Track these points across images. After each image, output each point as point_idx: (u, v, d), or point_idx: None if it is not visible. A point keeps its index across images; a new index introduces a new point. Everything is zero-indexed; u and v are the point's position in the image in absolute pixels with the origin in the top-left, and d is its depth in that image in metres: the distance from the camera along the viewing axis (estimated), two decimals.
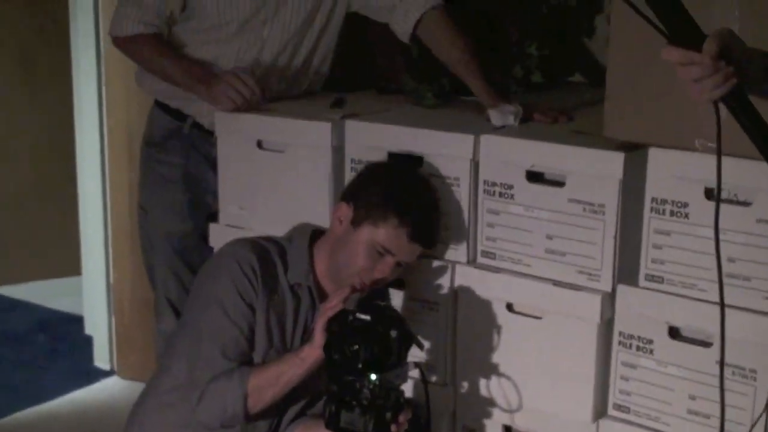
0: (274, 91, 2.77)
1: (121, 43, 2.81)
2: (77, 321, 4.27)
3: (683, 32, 1.48)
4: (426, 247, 2.31)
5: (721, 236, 1.80)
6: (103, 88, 3.75)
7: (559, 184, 2.23)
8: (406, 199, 2.26)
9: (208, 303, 2.26)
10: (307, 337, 2.28)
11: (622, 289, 2.18)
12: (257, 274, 2.25)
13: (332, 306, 2.11)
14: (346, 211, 2.28)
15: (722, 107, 1.54)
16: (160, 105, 2.89)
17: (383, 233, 2.22)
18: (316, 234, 2.38)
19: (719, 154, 1.57)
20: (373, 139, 2.46)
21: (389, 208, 2.22)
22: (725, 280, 2.03)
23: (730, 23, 1.94)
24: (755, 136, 1.54)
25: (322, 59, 2.86)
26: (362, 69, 3.15)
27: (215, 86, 2.64)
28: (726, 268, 2.01)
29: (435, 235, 2.34)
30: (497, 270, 2.34)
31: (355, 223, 2.25)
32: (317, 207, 2.53)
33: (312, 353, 2.15)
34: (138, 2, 2.73)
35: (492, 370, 2.36)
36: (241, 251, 2.29)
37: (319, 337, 2.11)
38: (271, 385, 2.19)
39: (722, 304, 1.62)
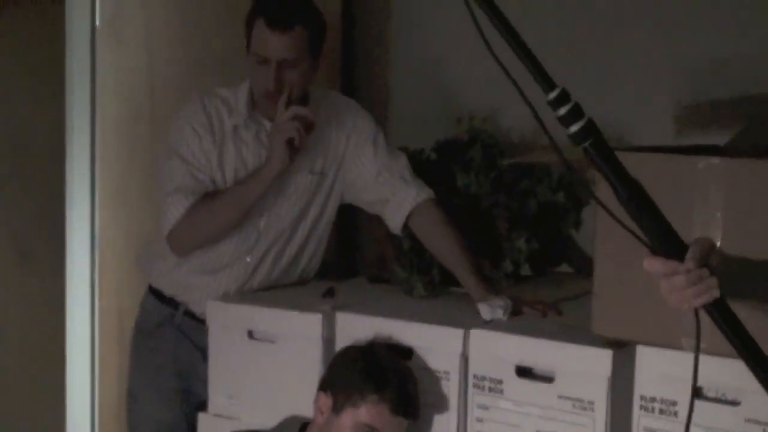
0: (269, 280, 2.81)
1: (181, 232, 2.70)
2: None
3: (664, 242, 1.52)
4: (410, 419, 2.31)
5: None
6: (96, 272, 3.77)
7: (548, 379, 2.24)
8: (382, 373, 2.28)
9: None
10: None
11: None
12: None
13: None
14: (325, 400, 2.31)
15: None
16: (153, 292, 2.92)
17: (365, 412, 2.24)
18: (305, 427, 2.38)
19: (696, 360, 1.59)
20: (364, 332, 2.48)
21: (366, 386, 2.25)
22: None
23: (712, 227, 2.00)
24: (737, 344, 1.56)
25: (314, 249, 2.89)
26: (353, 257, 3.20)
27: (270, 156, 2.63)
28: None
29: (417, 404, 2.35)
30: None
31: (336, 409, 2.27)
32: (307, 398, 2.52)
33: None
34: (179, 187, 2.68)
35: None
36: None
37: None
38: None
39: None
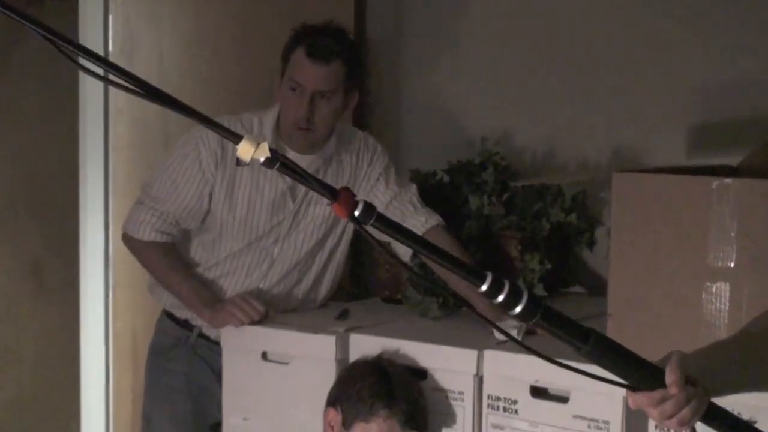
0: (281, 309, 2.82)
1: (132, 242, 2.85)
2: None
3: (641, 377, 1.49)
4: (419, 431, 2.31)
5: None
6: (110, 294, 3.79)
7: (563, 399, 2.24)
8: (390, 388, 2.30)
9: None
10: None
11: None
12: None
13: None
14: (335, 415, 2.32)
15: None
16: (168, 314, 2.93)
17: (375, 426, 2.26)
18: None
19: None
20: (375, 353, 2.48)
21: (376, 401, 2.26)
22: None
23: (725, 247, 2.01)
24: None
25: (332, 277, 2.91)
26: (366, 278, 3.21)
27: (221, 311, 2.71)
28: None
29: (425, 418, 2.36)
30: None
31: (346, 424, 2.29)
32: (321, 419, 2.52)
33: None
34: (158, 210, 2.77)
35: None
36: None
37: None
38: None
39: None
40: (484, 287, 1.45)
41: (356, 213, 1.43)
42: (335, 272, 2.91)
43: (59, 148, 4.34)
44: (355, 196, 1.45)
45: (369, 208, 1.44)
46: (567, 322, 1.50)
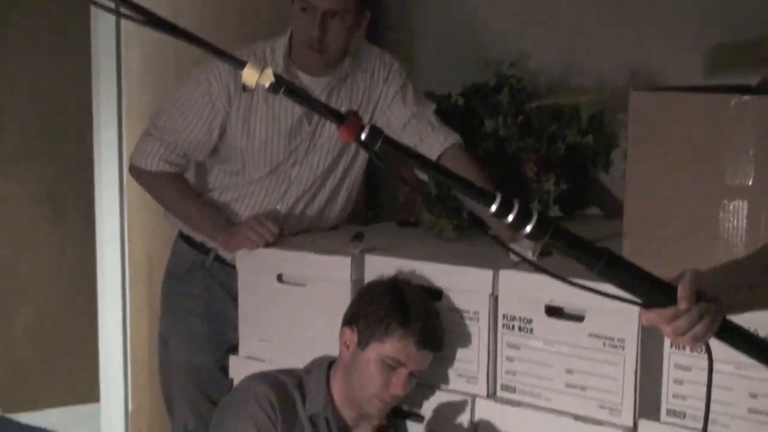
0: (296, 230, 2.82)
1: (141, 174, 2.85)
2: None
3: (653, 294, 1.49)
4: (434, 351, 2.33)
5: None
6: (125, 218, 3.80)
7: (579, 318, 2.25)
8: (406, 308, 2.30)
9: None
10: None
11: (644, 423, 2.18)
12: (275, 408, 2.28)
13: None
14: (350, 335, 2.33)
15: None
16: (184, 237, 2.94)
17: (390, 346, 2.26)
18: (333, 364, 2.41)
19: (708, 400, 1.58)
20: (391, 274, 2.49)
21: (391, 321, 2.27)
22: (748, 415, 2.04)
23: (744, 165, 1.99)
24: (755, 355, 1.55)
25: (345, 198, 2.91)
26: (381, 201, 3.20)
27: (234, 234, 2.72)
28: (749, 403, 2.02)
29: (441, 337, 2.37)
30: (517, 404, 2.35)
31: (362, 344, 2.30)
32: (336, 340, 2.54)
33: None
34: (166, 141, 2.77)
35: None
36: (259, 387, 2.32)
37: None
38: None
39: None
40: (493, 207, 1.45)
41: (363, 137, 1.43)
42: (349, 191, 2.91)
43: (72, 78, 4.34)
44: (361, 119, 1.45)
45: (375, 131, 1.44)
46: (578, 241, 1.51)
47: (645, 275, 1.49)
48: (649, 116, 2.20)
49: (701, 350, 1.52)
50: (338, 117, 1.43)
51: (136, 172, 2.87)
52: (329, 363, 2.41)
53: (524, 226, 1.46)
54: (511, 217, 1.45)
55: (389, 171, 1.48)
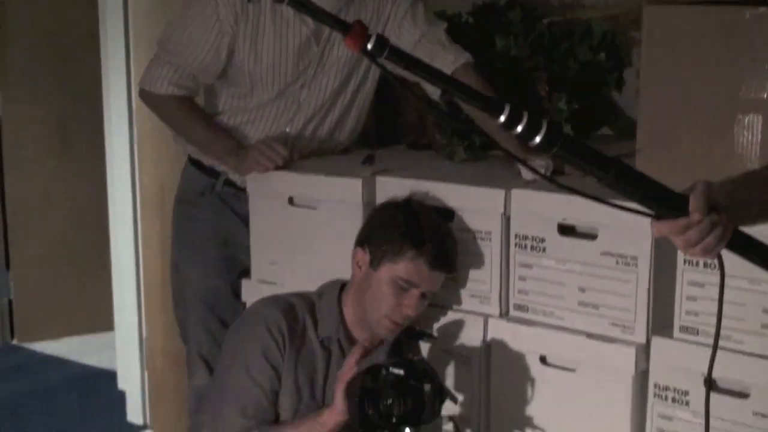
0: (306, 152, 2.80)
1: (150, 98, 2.84)
2: (110, 376, 4.28)
3: (664, 204, 1.47)
4: (447, 273, 2.33)
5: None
6: (135, 145, 3.80)
7: (592, 237, 2.23)
8: (419, 229, 2.29)
9: (233, 363, 2.31)
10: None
11: (656, 341, 2.18)
12: (284, 334, 2.29)
13: (347, 370, 2.14)
14: (363, 255, 2.32)
15: None
16: (193, 162, 2.93)
17: (403, 267, 2.26)
18: (345, 287, 2.41)
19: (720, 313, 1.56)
20: (404, 195, 2.47)
21: (404, 241, 2.26)
22: (761, 330, 2.04)
23: (759, 77, 1.96)
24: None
25: (355, 120, 2.89)
26: (392, 124, 3.18)
27: (245, 157, 2.71)
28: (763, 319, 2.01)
29: (454, 258, 2.36)
30: (530, 323, 2.35)
31: (374, 264, 2.29)
32: (348, 262, 2.53)
33: (332, 418, 2.17)
34: (174, 64, 2.75)
35: (526, 422, 2.35)
36: (269, 312, 2.33)
37: (339, 402, 2.13)
38: None
39: None
40: (502, 118, 1.43)
41: (369, 46, 1.40)
42: (359, 113, 2.88)
43: (82, 9, 4.31)
44: (367, 29, 1.42)
45: (381, 41, 1.42)
46: (589, 151, 1.49)
47: (656, 185, 1.48)
48: (663, 30, 2.16)
49: (714, 264, 1.50)
50: (344, 26, 1.40)
51: (145, 95, 2.85)
52: (341, 286, 2.41)
53: (534, 137, 1.43)
54: (520, 128, 1.42)
55: (398, 83, 1.45)
